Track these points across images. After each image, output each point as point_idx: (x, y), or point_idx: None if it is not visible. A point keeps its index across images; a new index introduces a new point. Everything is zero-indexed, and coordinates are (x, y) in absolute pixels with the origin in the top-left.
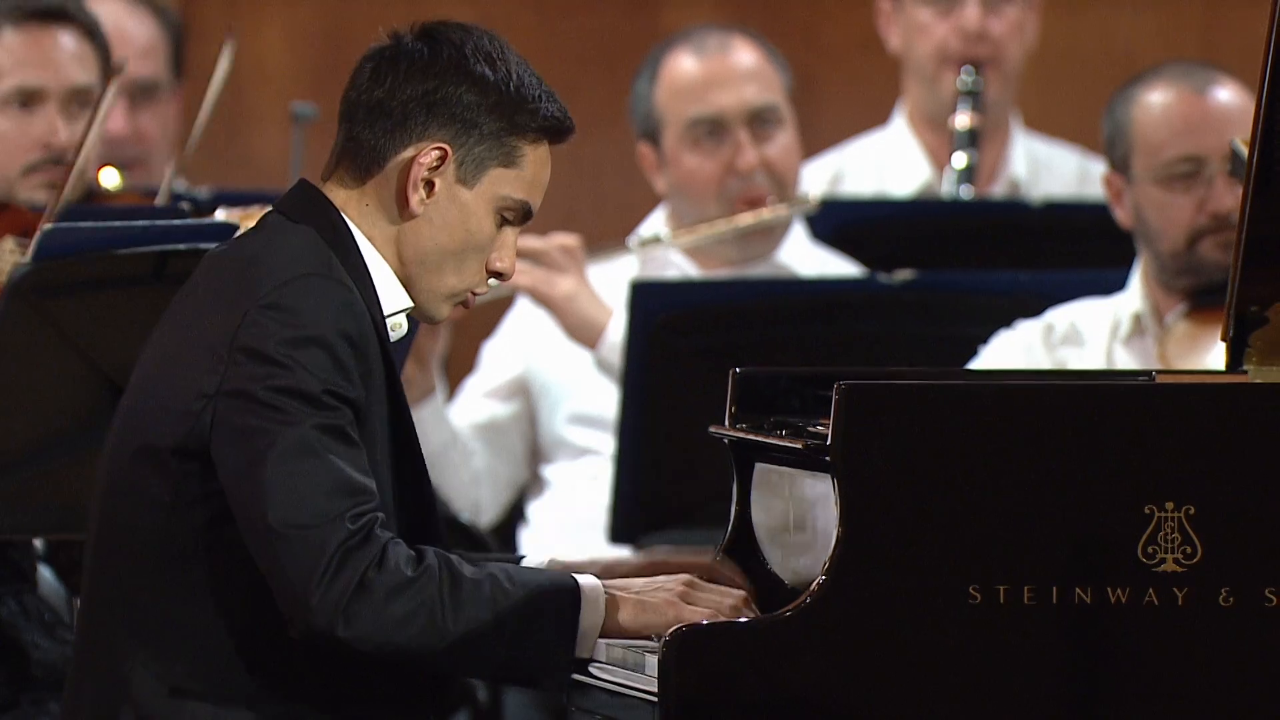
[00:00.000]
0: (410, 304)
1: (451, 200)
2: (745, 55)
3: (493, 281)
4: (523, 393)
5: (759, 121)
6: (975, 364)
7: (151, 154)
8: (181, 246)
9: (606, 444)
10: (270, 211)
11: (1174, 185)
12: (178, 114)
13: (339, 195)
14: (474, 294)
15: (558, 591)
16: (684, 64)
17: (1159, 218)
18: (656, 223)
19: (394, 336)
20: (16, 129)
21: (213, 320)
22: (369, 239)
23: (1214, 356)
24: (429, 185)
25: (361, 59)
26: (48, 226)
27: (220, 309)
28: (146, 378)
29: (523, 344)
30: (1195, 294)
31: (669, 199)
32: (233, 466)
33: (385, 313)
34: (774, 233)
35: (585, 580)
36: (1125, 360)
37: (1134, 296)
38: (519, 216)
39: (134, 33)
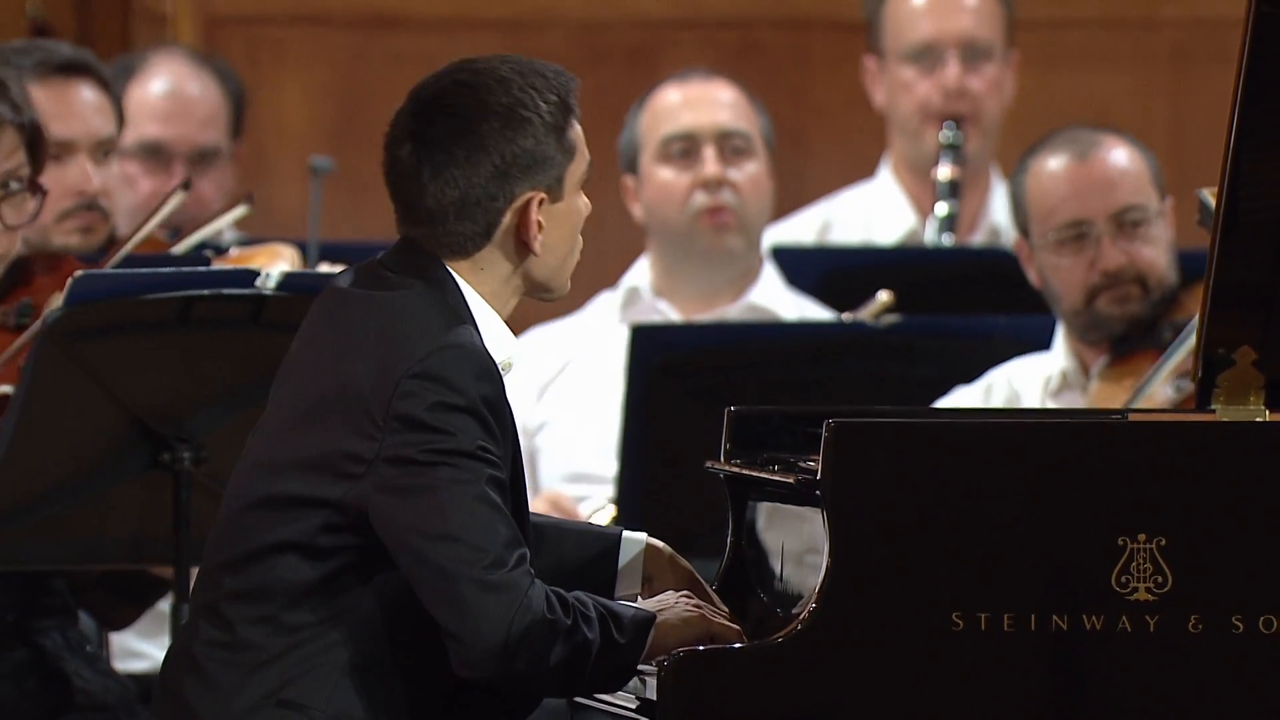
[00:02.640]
0: (515, 353)
1: (558, 218)
2: (725, 90)
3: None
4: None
5: (729, 145)
6: None
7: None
8: (205, 292)
9: (602, 491)
10: (378, 264)
11: (1064, 249)
12: (234, 174)
13: (459, 268)
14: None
15: (638, 625)
16: (667, 93)
17: (1056, 280)
18: (640, 271)
19: (504, 374)
20: (51, 179)
21: (359, 384)
22: (479, 293)
23: (1137, 402)
24: (540, 225)
25: (406, 165)
26: (79, 273)
27: (369, 375)
28: (284, 426)
29: (526, 401)
30: (1114, 345)
31: (644, 223)
32: (406, 524)
33: (501, 360)
34: (748, 272)
35: (641, 625)
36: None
37: (1059, 353)
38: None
39: (198, 100)
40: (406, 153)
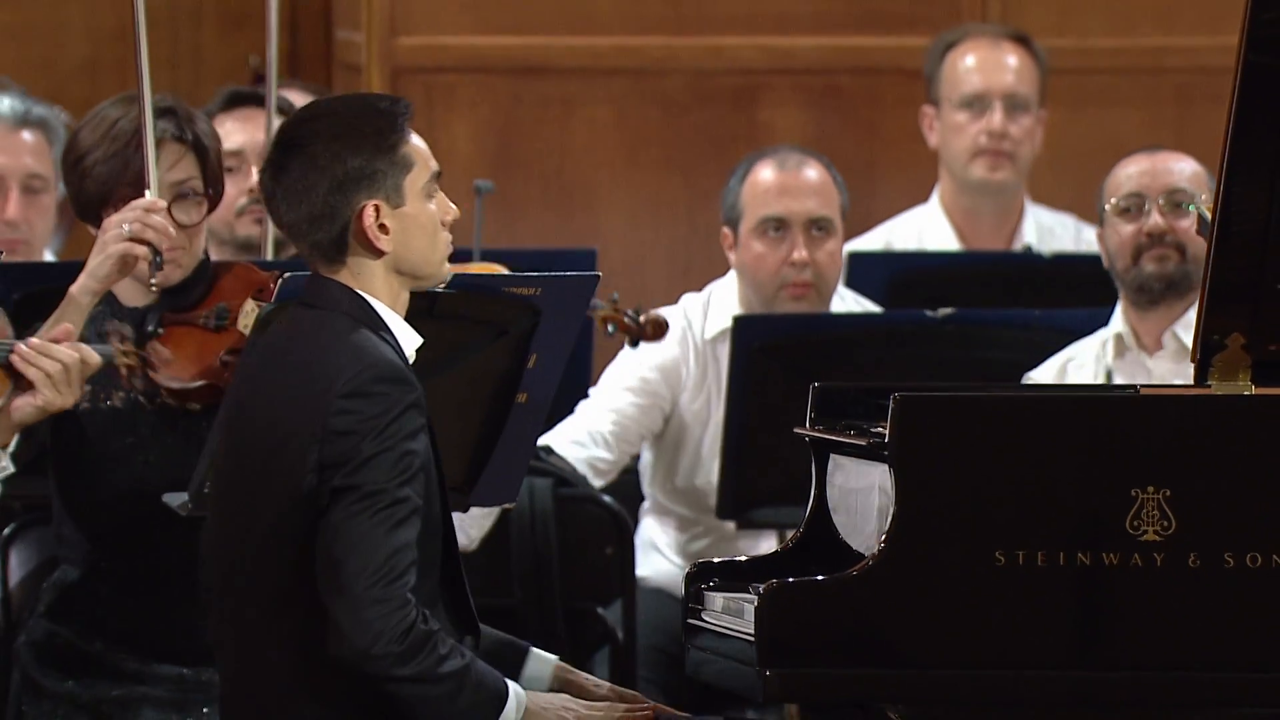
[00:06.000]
0: (420, 341)
1: (401, 222)
2: (813, 173)
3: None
4: (660, 413)
5: (815, 228)
6: None
7: None
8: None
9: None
10: (298, 305)
11: (1124, 216)
12: None
13: (343, 275)
14: (449, 249)
15: (497, 694)
16: (765, 173)
17: (1115, 242)
18: (729, 284)
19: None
20: (229, 186)
21: (301, 408)
22: (375, 295)
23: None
24: (382, 229)
25: (267, 191)
26: (287, 275)
27: (304, 400)
28: (247, 453)
29: (670, 389)
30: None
31: (737, 273)
32: (331, 527)
33: (407, 355)
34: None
35: (515, 693)
36: (1117, 379)
37: (1116, 321)
38: (435, 182)
39: None
40: (266, 179)
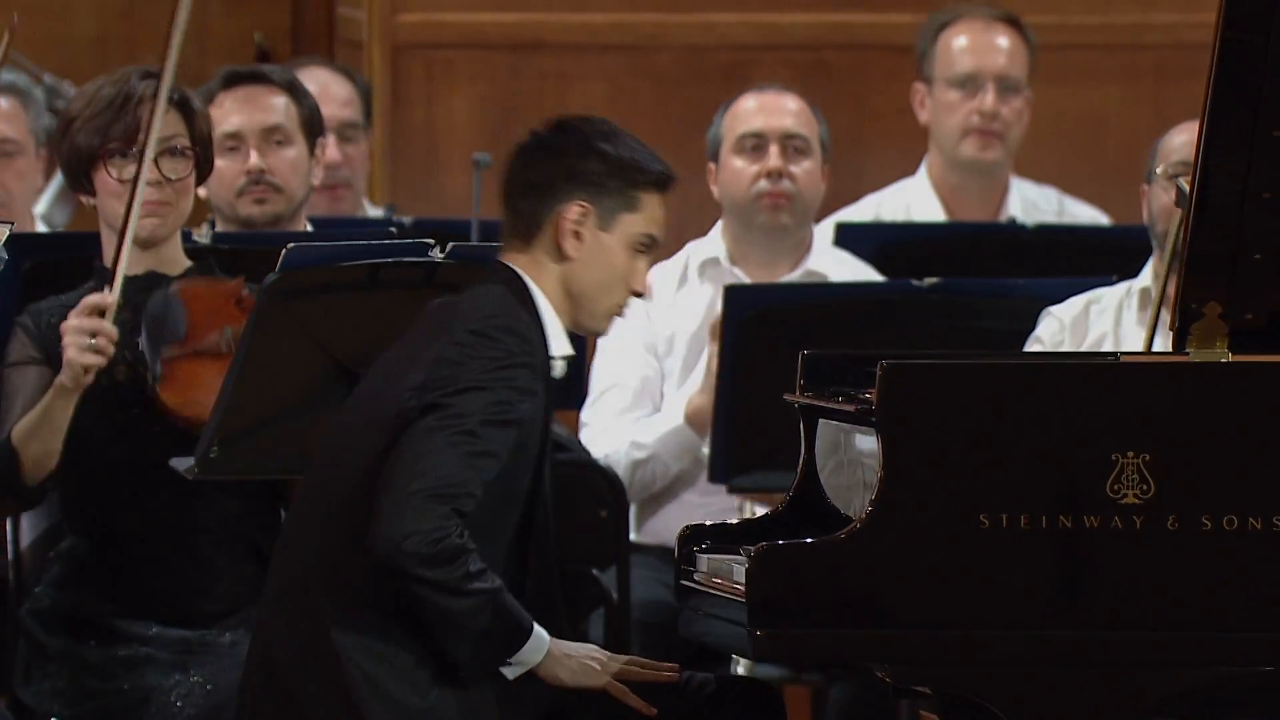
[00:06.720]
0: (569, 352)
1: (597, 244)
2: (791, 100)
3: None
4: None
5: (791, 145)
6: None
7: (354, 180)
8: (388, 260)
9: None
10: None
11: (1169, 183)
12: (368, 154)
13: (519, 260)
14: (621, 311)
15: (522, 627)
16: (746, 100)
17: (1156, 207)
18: (714, 242)
19: (555, 373)
20: (229, 163)
21: (426, 339)
22: (541, 289)
23: None
24: (577, 235)
25: (512, 152)
26: (291, 245)
27: (432, 332)
28: (367, 397)
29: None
30: None
31: (720, 200)
32: (408, 436)
33: (552, 354)
34: (801, 244)
35: (538, 636)
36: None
37: (1145, 276)
38: (648, 247)
39: (338, 90)
40: (534, 135)
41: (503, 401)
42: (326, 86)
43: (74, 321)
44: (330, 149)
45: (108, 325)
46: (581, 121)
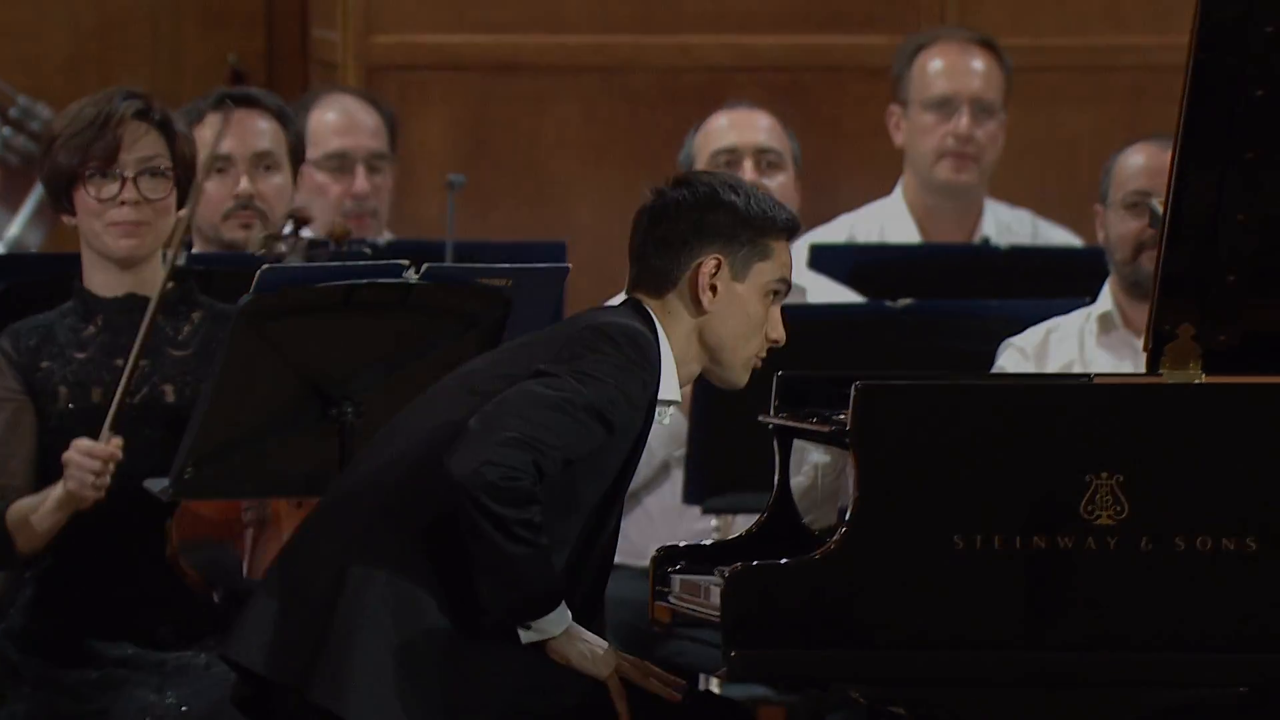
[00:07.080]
0: (678, 399)
1: (732, 295)
2: (762, 116)
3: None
4: None
5: (764, 160)
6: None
7: (380, 210)
8: (363, 281)
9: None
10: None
11: (1129, 211)
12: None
13: (650, 305)
14: (760, 361)
15: (555, 595)
16: (717, 118)
17: (1116, 234)
18: None
19: (658, 418)
20: (216, 187)
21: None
22: (668, 338)
23: None
24: (713, 288)
25: (639, 212)
26: (265, 267)
27: (550, 334)
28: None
29: None
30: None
31: None
32: (516, 386)
33: (662, 397)
34: None
35: (563, 610)
36: (1100, 351)
37: (1104, 300)
38: (781, 294)
39: (365, 119)
40: (658, 193)
41: (612, 400)
42: (353, 115)
43: (78, 459)
44: (359, 180)
45: (111, 465)
46: (707, 175)
